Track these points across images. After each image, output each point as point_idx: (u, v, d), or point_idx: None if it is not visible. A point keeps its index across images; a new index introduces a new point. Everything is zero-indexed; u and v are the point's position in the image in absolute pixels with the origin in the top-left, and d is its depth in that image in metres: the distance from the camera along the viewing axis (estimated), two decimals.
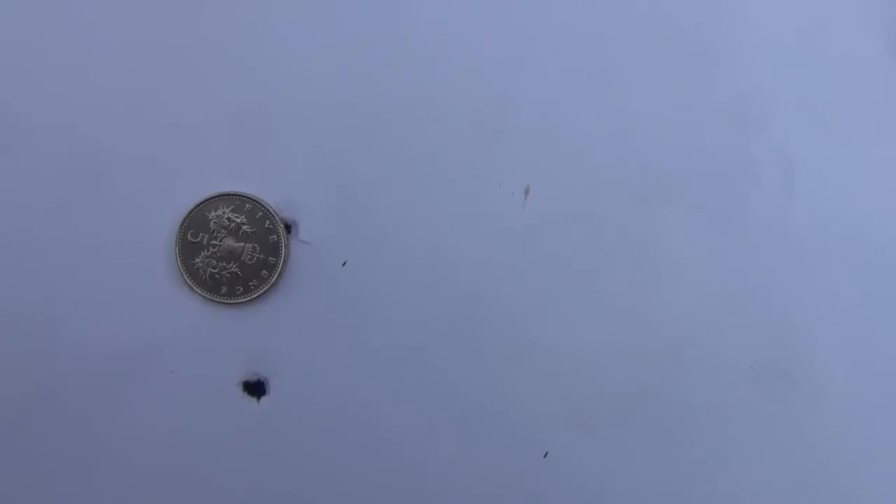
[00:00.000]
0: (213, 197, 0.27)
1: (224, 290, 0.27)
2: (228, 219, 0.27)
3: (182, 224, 0.27)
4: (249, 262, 0.27)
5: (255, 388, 0.27)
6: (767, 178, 0.28)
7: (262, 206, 0.27)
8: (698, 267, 0.28)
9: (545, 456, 0.27)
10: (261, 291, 0.27)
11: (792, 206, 0.28)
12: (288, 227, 0.27)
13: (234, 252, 0.27)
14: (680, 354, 0.28)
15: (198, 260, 0.27)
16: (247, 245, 0.27)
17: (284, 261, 0.27)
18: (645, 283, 0.28)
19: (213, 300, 0.27)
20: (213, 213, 0.27)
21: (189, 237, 0.27)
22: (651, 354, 0.28)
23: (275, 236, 0.27)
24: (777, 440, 0.28)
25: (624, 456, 0.27)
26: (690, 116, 0.28)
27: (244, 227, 0.27)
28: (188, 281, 0.27)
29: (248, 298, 0.27)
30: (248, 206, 0.27)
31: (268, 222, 0.27)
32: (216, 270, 0.27)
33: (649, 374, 0.28)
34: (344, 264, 0.27)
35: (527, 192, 0.28)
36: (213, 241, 0.27)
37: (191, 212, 0.27)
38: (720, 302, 0.28)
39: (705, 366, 0.28)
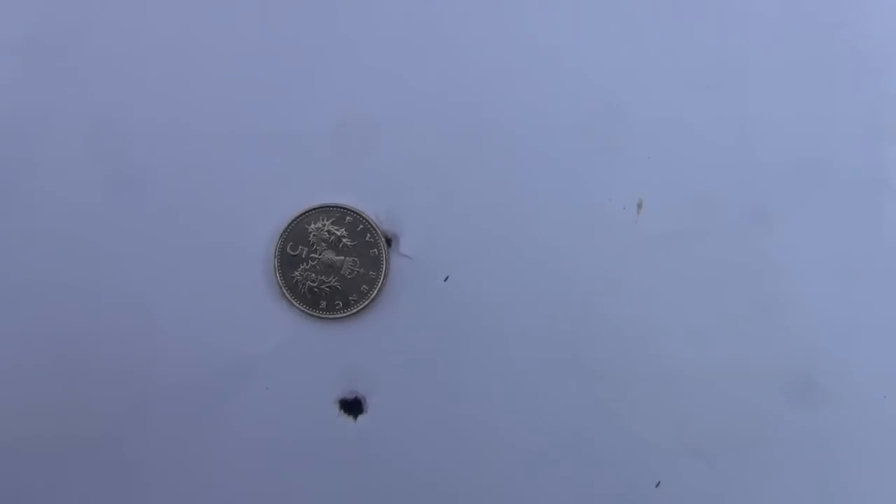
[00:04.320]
0: (314, 209, 0.26)
1: (323, 304, 0.26)
2: (329, 231, 0.26)
3: (281, 236, 0.26)
4: (349, 276, 0.26)
5: (353, 407, 0.26)
6: None
7: (363, 218, 0.26)
8: (827, 285, 0.26)
9: (657, 486, 0.26)
10: (360, 306, 0.26)
11: None
12: (389, 241, 0.26)
13: (333, 265, 0.26)
14: (806, 379, 0.26)
15: (297, 273, 0.26)
16: (347, 259, 0.26)
17: (385, 275, 0.26)
18: (768, 302, 0.26)
19: (311, 314, 0.26)
20: (313, 226, 0.26)
21: (288, 250, 0.26)
22: (774, 378, 0.26)
23: (375, 250, 0.26)
24: None
25: (742, 487, 0.26)
26: (818, 126, 0.26)
27: (344, 240, 0.26)
28: (286, 294, 0.26)
29: (348, 313, 0.26)
30: (348, 218, 0.26)
31: (369, 235, 0.26)
32: (315, 284, 0.26)
33: (771, 399, 0.26)
34: (446, 279, 0.26)
35: (639, 206, 0.26)
36: (313, 255, 0.26)
37: (290, 224, 0.26)
38: (851, 323, 0.26)
39: (833, 392, 0.26)
